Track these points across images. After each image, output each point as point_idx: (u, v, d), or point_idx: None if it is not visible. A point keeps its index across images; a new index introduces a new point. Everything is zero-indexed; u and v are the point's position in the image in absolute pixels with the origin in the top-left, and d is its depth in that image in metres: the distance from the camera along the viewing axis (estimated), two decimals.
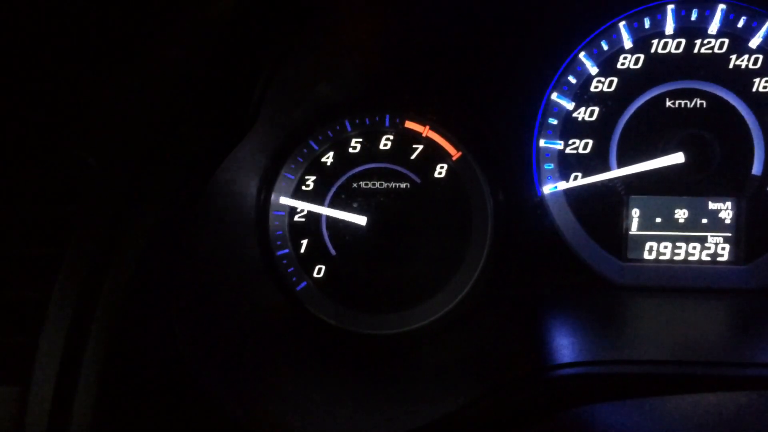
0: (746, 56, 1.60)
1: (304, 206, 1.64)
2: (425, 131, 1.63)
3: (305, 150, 1.64)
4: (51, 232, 1.04)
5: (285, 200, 1.63)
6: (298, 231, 1.66)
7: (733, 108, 1.61)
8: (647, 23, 1.62)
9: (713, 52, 1.61)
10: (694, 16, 1.61)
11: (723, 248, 1.65)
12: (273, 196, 1.63)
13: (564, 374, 1.14)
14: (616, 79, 1.64)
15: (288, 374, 1.42)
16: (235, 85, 1.18)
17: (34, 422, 1.01)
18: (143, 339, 1.18)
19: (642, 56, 1.63)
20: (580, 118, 1.66)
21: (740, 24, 1.59)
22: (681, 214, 1.65)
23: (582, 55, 1.65)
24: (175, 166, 1.11)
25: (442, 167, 1.64)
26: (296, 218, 1.66)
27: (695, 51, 1.62)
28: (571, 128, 1.67)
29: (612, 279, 1.66)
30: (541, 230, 1.67)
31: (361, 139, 1.65)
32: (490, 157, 1.63)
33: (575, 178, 1.67)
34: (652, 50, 1.63)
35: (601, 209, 1.67)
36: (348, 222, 1.64)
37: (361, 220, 1.62)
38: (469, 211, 1.63)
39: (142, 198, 1.08)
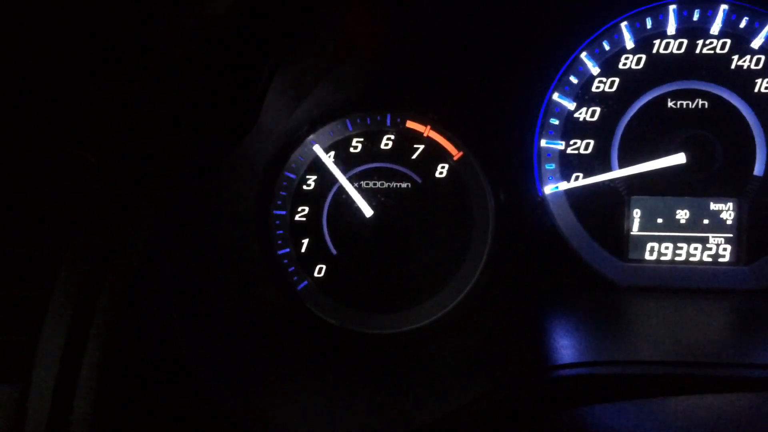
0: (748, 57, 1.60)
1: (330, 165, 1.62)
2: (426, 131, 1.63)
3: (306, 149, 1.64)
4: (51, 231, 1.04)
5: (318, 149, 1.62)
6: (298, 230, 1.66)
7: (735, 108, 1.61)
8: (649, 23, 1.62)
9: (715, 53, 1.61)
10: (695, 17, 1.61)
11: (724, 249, 1.64)
12: (275, 193, 1.64)
13: (564, 375, 1.14)
14: (617, 80, 1.64)
15: (288, 374, 1.42)
16: (236, 83, 1.18)
17: (34, 421, 1.01)
18: (144, 338, 1.18)
19: (644, 56, 1.63)
20: (581, 119, 1.66)
21: (742, 24, 1.59)
22: (682, 215, 1.65)
23: (583, 55, 1.64)
24: (175, 164, 1.11)
25: (443, 167, 1.63)
26: (297, 217, 1.66)
27: (697, 51, 1.61)
28: (572, 128, 1.67)
29: (613, 279, 1.66)
30: (542, 230, 1.67)
31: (362, 139, 1.65)
32: (491, 157, 1.63)
33: (576, 178, 1.67)
34: (654, 50, 1.63)
35: (602, 210, 1.67)
36: (350, 219, 1.64)
37: (368, 210, 1.62)
38: (470, 211, 1.63)
39: (142, 197, 1.08)
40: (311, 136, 1.63)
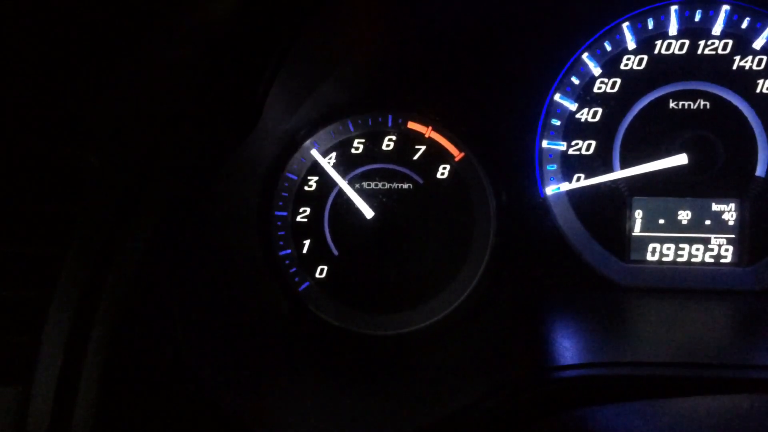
0: (750, 57, 1.60)
1: (328, 169, 1.63)
2: (428, 132, 1.63)
3: (308, 150, 1.64)
4: (53, 232, 1.04)
5: (315, 153, 1.63)
6: (300, 231, 1.66)
7: (737, 109, 1.61)
8: (651, 24, 1.62)
9: (717, 53, 1.61)
10: (697, 17, 1.61)
11: (726, 250, 1.64)
12: (276, 195, 1.64)
13: (566, 376, 1.14)
14: (619, 80, 1.64)
15: (289, 374, 1.42)
16: (237, 84, 1.18)
17: (35, 422, 1.01)
18: (145, 339, 1.18)
19: (645, 57, 1.63)
20: (583, 119, 1.66)
21: (744, 25, 1.59)
22: (684, 216, 1.65)
23: (585, 56, 1.64)
24: (177, 165, 1.12)
25: (444, 168, 1.63)
26: (298, 218, 1.66)
27: (699, 52, 1.61)
28: (574, 129, 1.67)
29: (615, 280, 1.66)
30: (544, 231, 1.67)
31: (363, 140, 1.65)
32: (492, 158, 1.63)
33: (578, 179, 1.67)
34: (656, 51, 1.63)
35: (603, 210, 1.67)
36: (351, 220, 1.64)
37: (369, 212, 1.62)
38: (471, 212, 1.63)
39: (144, 198, 1.08)
40: (310, 139, 1.63)
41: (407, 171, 1.64)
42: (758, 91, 1.60)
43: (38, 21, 1.06)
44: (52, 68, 1.07)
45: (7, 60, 1.06)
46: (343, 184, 1.62)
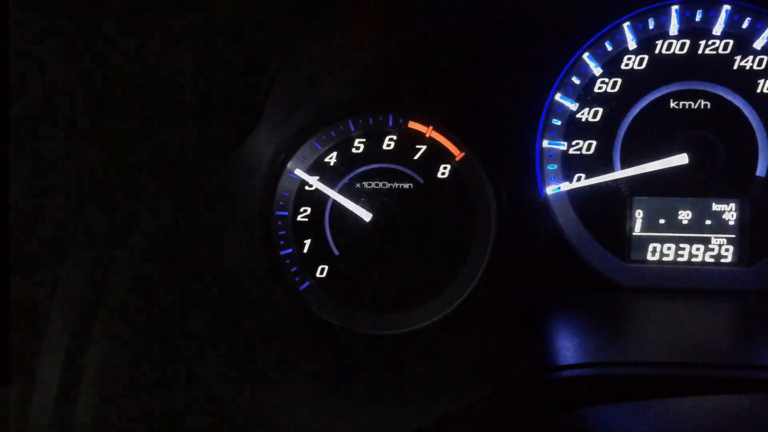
0: (751, 57, 1.60)
1: (318, 185, 1.63)
2: (429, 132, 1.63)
3: (308, 150, 1.64)
4: (54, 231, 1.04)
5: (300, 172, 1.63)
6: (301, 230, 1.66)
7: (738, 109, 1.61)
8: (651, 24, 1.62)
9: (718, 53, 1.61)
10: (698, 17, 1.60)
11: (727, 250, 1.64)
12: (277, 194, 1.64)
13: (567, 376, 1.14)
14: (619, 80, 1.64)
15: (290, 374, 1.42)
16: (238, 86, 1.18)
17: (37, 422, 1.01)
18: (146, 338, 1.18)
19: (646, 57, 1.63)
20: (583, 119, 1.66)
21: (745, 25, 1.59)
22: (685, 216, 1.65)
23: (586, 55, 1.64)
24: (179, 165, 1.12)
25: (445, 168, 1.63)
26: (299, 218, 1.66)
27: (699, 52, 1.61)
28: (574, 129, 1.67)
29: (615, 280, 1.66)
30: (544, 231, 1.67)
31: (364, 140, 1.65)
32: (493, 158, 1.63)
33: (579, 179, 1.67)
34: (657, 51, 1.62)
35: (604, 210, 1.67)
36: (351, 220, 1.64)
37: (366, 215, 1.62)
38: (472, 211, 1.63)
39: (145, 197, 1.08)
40: (290, 164, 1.63)
41: (408, 171, 1.64)
42: (759, 90, 1.60)
43: (41, 20, 1.06)
44: (52, 68, 1.08)
45: (8, 60, 1.06)
46: (334, 194, 1.62)
